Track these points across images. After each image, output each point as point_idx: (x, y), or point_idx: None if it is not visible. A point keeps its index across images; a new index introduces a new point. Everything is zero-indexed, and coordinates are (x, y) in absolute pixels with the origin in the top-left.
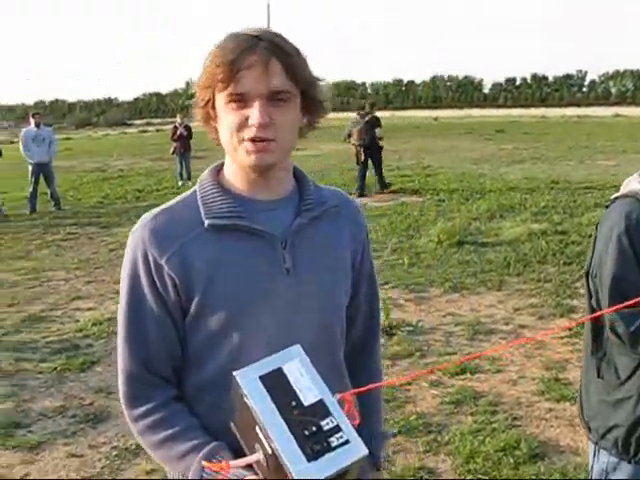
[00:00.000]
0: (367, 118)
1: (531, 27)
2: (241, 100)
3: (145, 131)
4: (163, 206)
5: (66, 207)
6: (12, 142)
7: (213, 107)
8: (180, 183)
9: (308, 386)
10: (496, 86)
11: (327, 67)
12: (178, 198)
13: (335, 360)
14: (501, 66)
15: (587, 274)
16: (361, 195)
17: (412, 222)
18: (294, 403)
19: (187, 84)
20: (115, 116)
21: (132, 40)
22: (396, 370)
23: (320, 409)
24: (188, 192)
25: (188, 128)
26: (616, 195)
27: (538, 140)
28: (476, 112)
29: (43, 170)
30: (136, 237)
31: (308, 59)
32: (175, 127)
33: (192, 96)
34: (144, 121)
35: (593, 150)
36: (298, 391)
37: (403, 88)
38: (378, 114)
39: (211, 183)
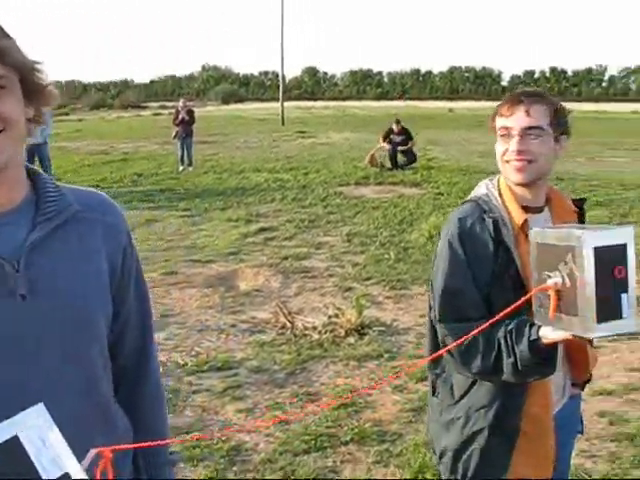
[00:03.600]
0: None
1: (552, 19)
2: None
3: (159, 114)
4: None
5: None
6: None
7: None
8: (181, 168)
9: (52, 458)
10: (514, 79)
11: (344, 56)
12: None
13: (98, 395)
14: (521, 58)
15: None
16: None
17: (407, 215)
18: None
19: (203, 67)
20: (130, 98)
21: (148, 21)
22: (362, 372)
23: None
24: None
25: (191, 112)
26: (465, 199)
27: None
28: (493, 104)
29: (37, 151)
30: None
31: (18, 42)
32: (177, 111)
33: (207, 80)
34: (159, 104)
35: (605, 147)
36: (39, 466)
37: (420, 78)
38: (393, 103)
39: None
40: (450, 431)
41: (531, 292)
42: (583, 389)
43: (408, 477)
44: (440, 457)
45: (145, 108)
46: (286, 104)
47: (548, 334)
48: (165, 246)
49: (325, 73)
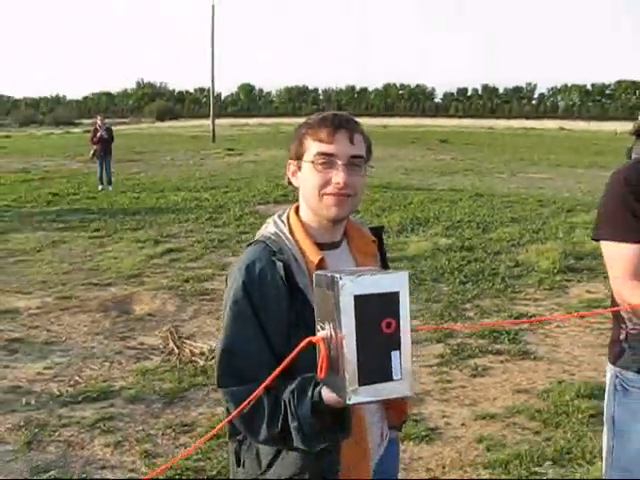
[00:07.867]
0: None
1: (483, 37)
2: None
3: (90, 131)
4: None
5: None
6: None
7: None
8: (100, 187)
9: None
10: (447, 96)
11: (280, 71)
12: None
13: None
14: (453, 76)
15: None
16: None
17: None
18: None
19: (137, 84)
20: (62, 115)
21: (82, 38)
22: None
23: None
24: None
25: (109, 131)
26: (251, 240)
27: (479, 151)
28: (427, 121)
29: None
30: None
31: None
32: (95, 129)
33: (142, 97)
34: (92, 121)
35: (529, 163)
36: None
37: (355, 95)
38: None
39: None
40: None
41: (302, 344)
42: (400, 430)
43: None
44: None
45: (77, 125)
46: (220, 121)
47: (326, 395)
48: (67, 269)
49: (261, 90)
